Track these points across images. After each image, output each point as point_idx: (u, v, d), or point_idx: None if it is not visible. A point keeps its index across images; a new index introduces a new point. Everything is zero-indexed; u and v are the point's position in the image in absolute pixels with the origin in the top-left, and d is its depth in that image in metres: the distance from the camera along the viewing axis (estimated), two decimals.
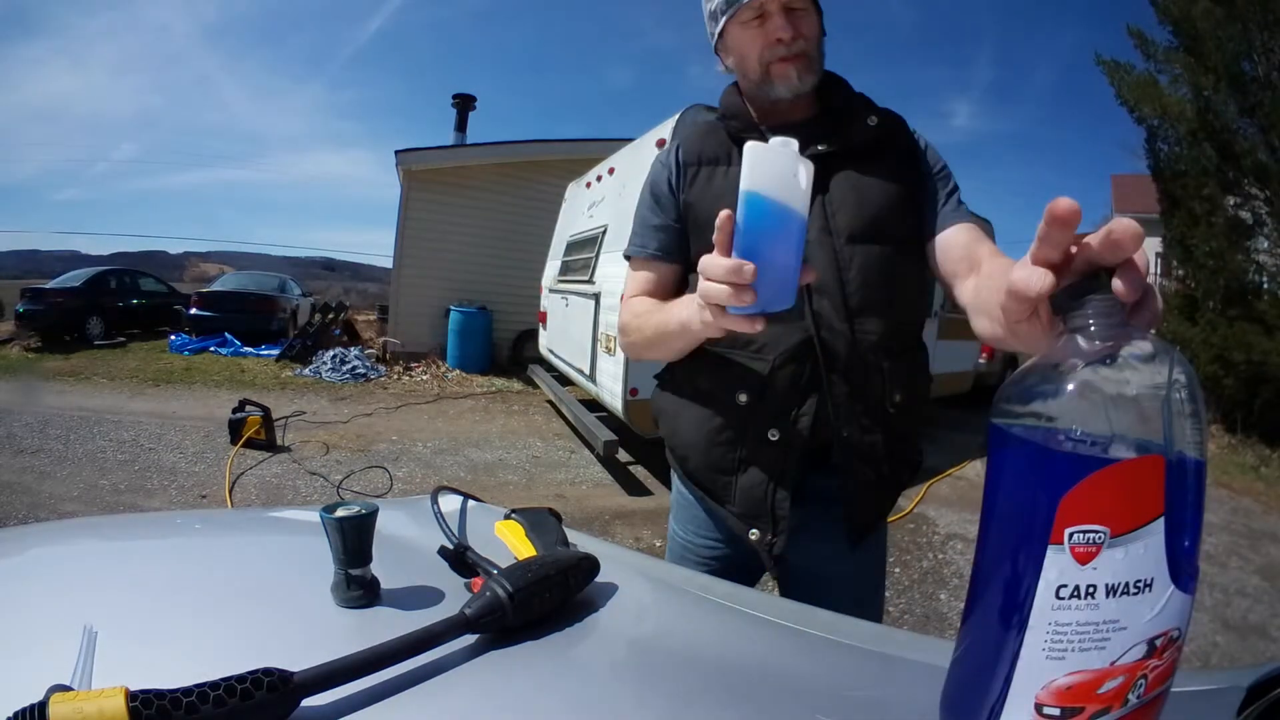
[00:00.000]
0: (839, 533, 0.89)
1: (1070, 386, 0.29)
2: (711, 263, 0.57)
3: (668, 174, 0.93)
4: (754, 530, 0.88)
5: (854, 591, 0.92)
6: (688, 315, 0.73)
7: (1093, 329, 0.31)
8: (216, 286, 10.32)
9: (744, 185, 0.54)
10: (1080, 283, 0.33)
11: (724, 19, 0.86)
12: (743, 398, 0.86)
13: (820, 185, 0.83)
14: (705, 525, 0.97)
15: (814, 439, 0.85)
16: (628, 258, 0.99)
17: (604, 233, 4.33)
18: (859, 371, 0.85)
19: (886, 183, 0.85)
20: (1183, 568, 0.29)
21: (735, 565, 0.95)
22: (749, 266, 0.54)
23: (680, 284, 0.95)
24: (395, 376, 7.16)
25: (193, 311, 8.80)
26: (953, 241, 0.84)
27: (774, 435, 0.86)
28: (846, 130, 0.87)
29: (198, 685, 0.34)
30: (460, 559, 0.56)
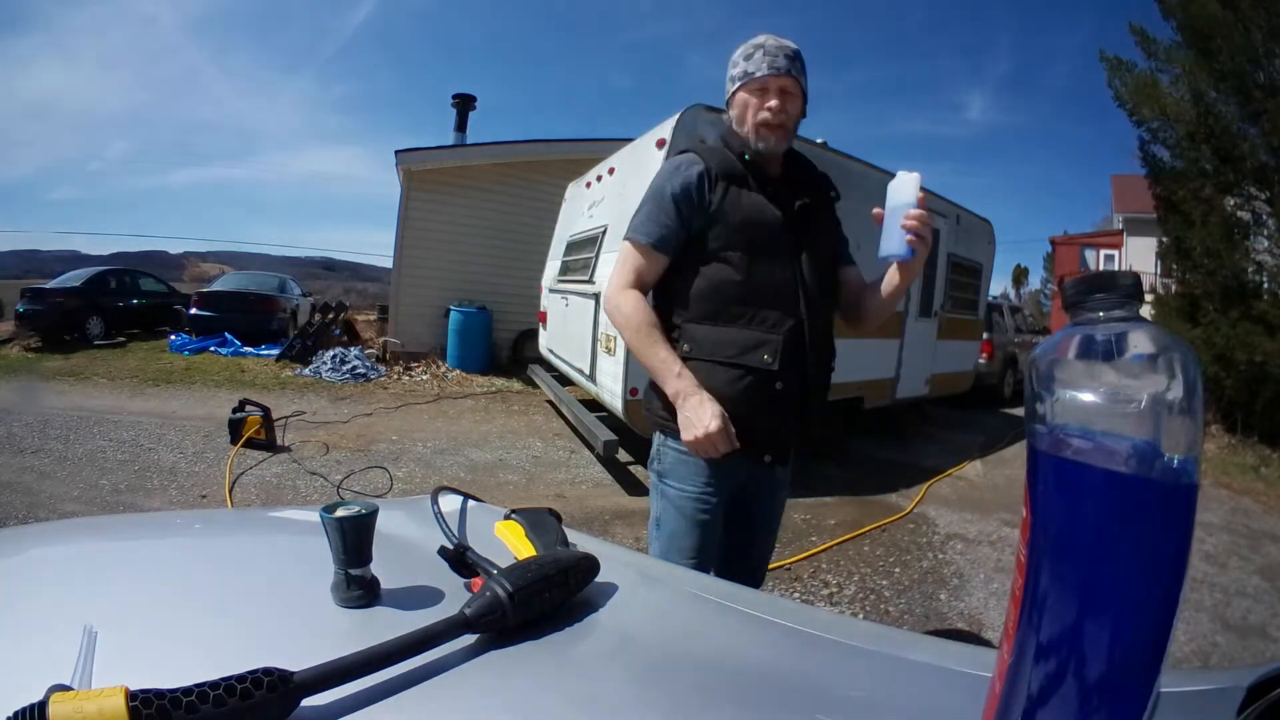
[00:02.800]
0: (791, 454, 1.32)
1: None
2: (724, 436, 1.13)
3: (698, 185, 1.19)
4: (767, 455, 1.24)
5: (783, 497, 1.37)
6: (677, 393, 1.16)
7: (1100, 323, 0.31)
8: (217, 286, 10.31)
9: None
10: (1088, 277, 0.33)
11: (740, 84, 1.20)
12: (767, 358, 1.17)
13: (805, 225, 1.23)
14: (706, 476, 1.21)
15: (799, 389, 1.21)
16: (628, 240, 1.24)
17: (604, 233, 4.33)
18: (824, 344, 1.26)
19: (834, 230, 1.32)
20: None
21: (718, 509, 1.24)
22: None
23: (660, 275, 1.25)
24: (395, 376, 7.16)
25: (193, 311, 8.79)
26: (853, 275, 1.35)
27: (779, 385, 1.19)
28: (816, 192, 1.28)
29: (198, 685, 0.34)
30: (460, 559, 0.57)
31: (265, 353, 7.78)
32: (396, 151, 7.95)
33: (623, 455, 4.09)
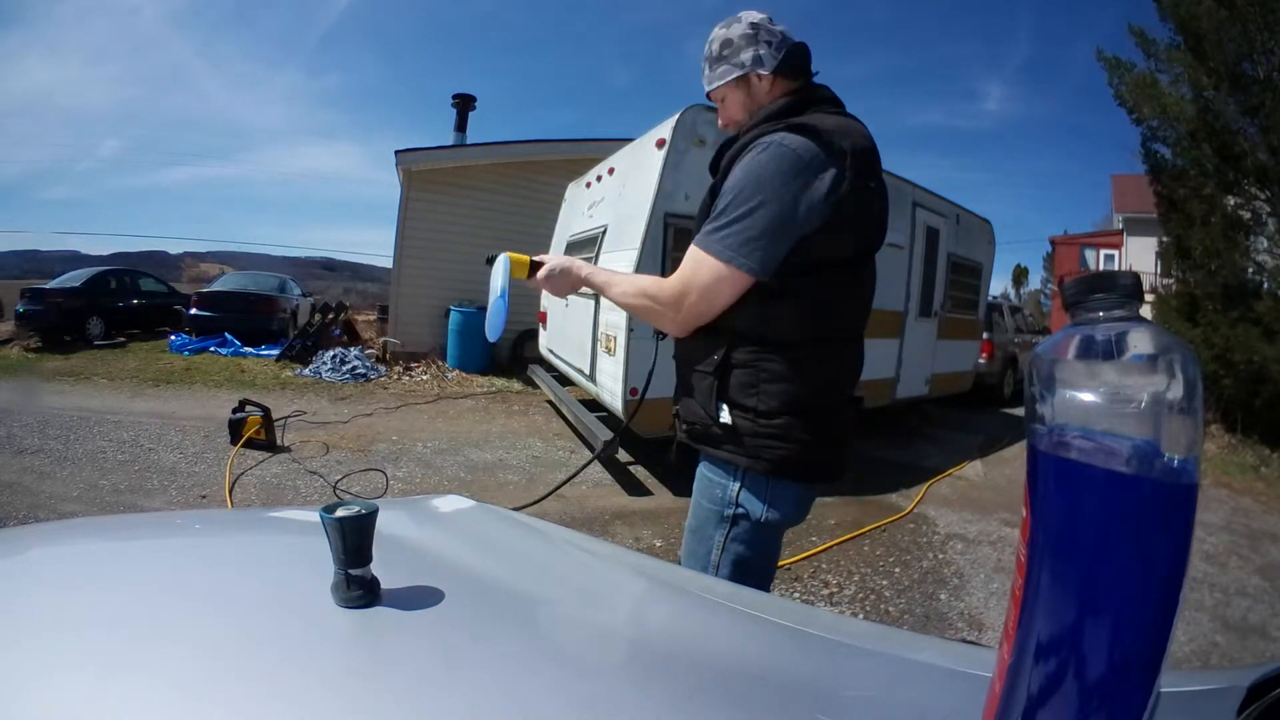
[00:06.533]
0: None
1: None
2: None
3: None
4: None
5: None
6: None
7: (1100, 323, 0.31)
8: (216, 286, 10.30)
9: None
10: (1088, 277, 0.33)
11: None
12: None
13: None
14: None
15: None
16: None
17: (604, 233, 4.33)
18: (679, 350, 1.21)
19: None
20: None
21: None
22: None
23: None
24: (395, 376, 7.15)
25: (193, 311, 8.79)
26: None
27: None
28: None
29: None
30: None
31: (265, 353, 7.78)
32: (396, 152, 7.95)
33: (623, 455, 4.09)
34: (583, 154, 7.18)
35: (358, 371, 6.97)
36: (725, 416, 1.02)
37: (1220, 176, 6.55)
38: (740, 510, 1.04)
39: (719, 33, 1.10)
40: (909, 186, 5.25)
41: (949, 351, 6.25)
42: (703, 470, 1.10)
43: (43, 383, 5.92)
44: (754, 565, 1.06)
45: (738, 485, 1.03)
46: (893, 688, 0.48)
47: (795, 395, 1.00)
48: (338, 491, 3.35)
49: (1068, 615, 0.30)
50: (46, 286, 8.75)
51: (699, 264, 0.99)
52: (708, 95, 1.15)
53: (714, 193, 1.05)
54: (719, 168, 1.10)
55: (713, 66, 1.11)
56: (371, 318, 10.83)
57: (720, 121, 1.16)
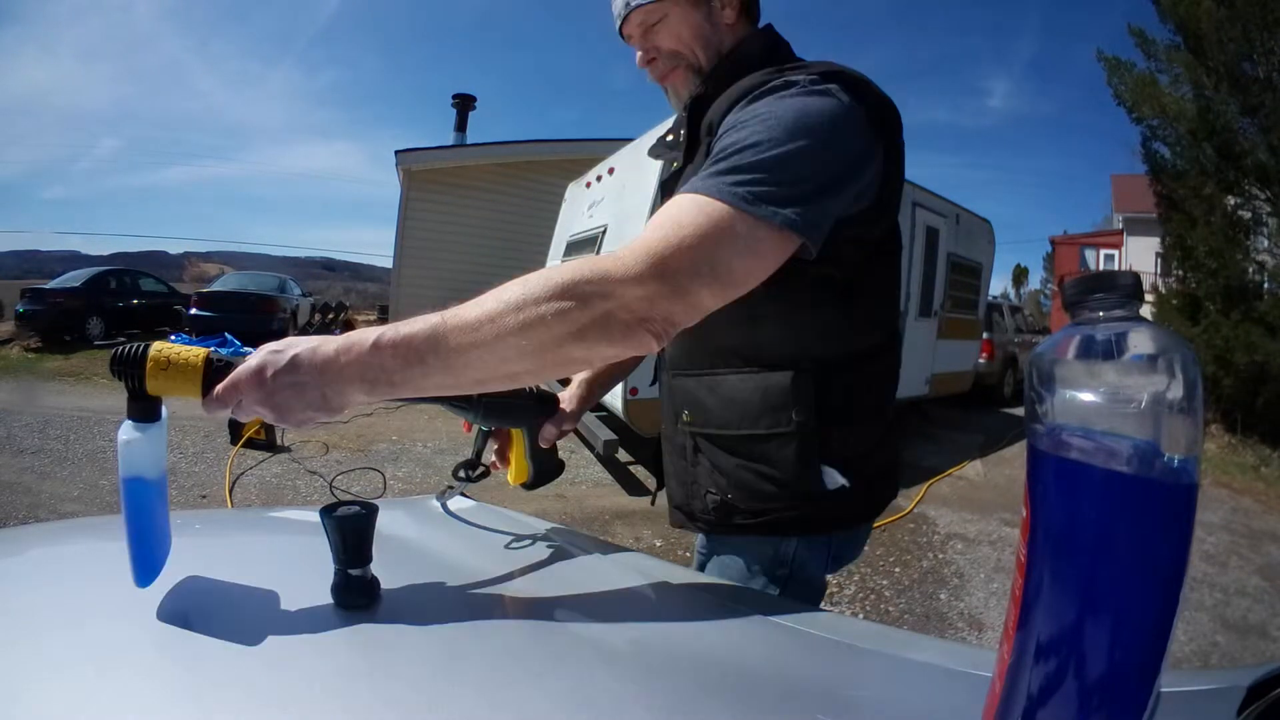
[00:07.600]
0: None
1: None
2: None
3: None
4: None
5: None
6: None
7: (1100, 323, 0.31)
8: (217, 286, 10.31)
9: None
10: (1088, 277, 0.33)
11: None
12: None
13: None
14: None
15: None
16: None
17: (604, 233, 4.33)
18: (672, 387, 0.89)
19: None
20: None
21: None
22: None
23: None
24: None
25: (193, 311, 8.78)
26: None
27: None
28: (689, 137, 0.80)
29: None
30: None
31: None
32: (396, 152, 7.97)
33: (623, 455, 4.09)
34: (583, 154, 7.18)
35: None
36: (837, 479, 0.72)
37: (1220, 176, 6.55)
38: (794, 571, 0.78)
39: None
40: (908, 186, 5.25)
41: (949, 351, 6.25)
42: (731, 550, 0.80)
43: (43, 383, 5.92)
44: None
45: (792, 545, 0.77)
46: (893, 688, 0.48)
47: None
48: (334, 489, 3.35)
49: (1068, 615, 0.30)
50: (46, 286, 8.75)
51: (689, 209, 0.57)
52: (631, 8, 0.79)
53: (705, 153, 0.70)
54: (685, 136, 0.80)
55: None
56: (371, 318, 10.85)
57: (643, 51, 0.81)
